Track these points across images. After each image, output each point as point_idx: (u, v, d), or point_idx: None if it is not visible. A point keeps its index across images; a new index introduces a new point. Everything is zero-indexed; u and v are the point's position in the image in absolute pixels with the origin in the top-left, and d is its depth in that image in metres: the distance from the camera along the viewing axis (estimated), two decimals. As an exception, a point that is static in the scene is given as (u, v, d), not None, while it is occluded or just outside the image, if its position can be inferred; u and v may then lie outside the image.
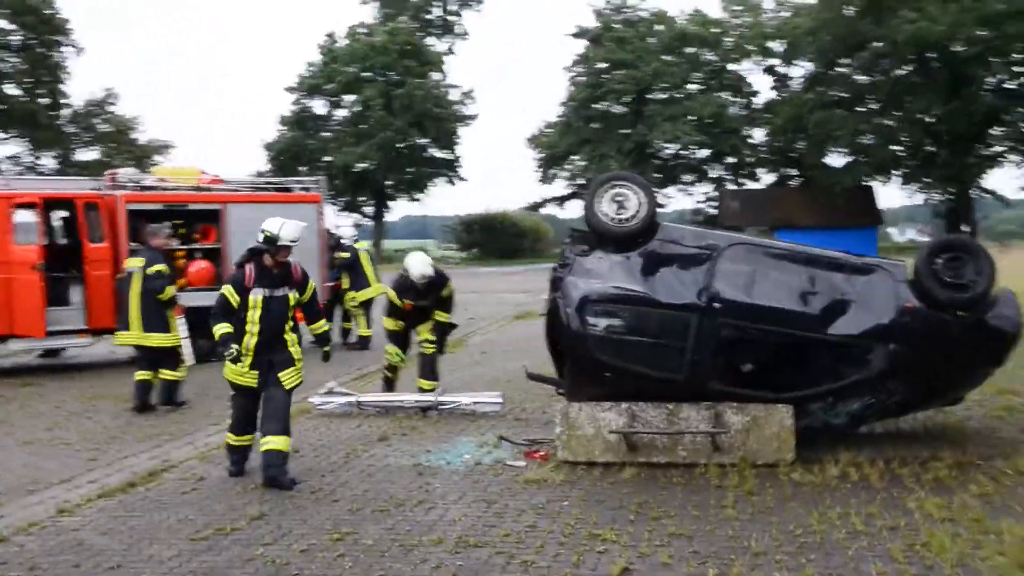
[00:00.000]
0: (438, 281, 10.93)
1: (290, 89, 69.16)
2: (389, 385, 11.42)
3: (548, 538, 6.05)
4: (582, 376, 8.23)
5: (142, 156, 55.26)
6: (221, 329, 7.66)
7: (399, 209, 74.68)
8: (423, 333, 11.10)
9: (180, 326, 11.51)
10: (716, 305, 7.84)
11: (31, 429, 9.95)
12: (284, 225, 7.92)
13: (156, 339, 11.06)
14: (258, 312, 7.65)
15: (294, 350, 7.81)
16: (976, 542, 5.63)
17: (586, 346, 7.98)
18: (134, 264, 11.31)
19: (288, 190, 16.76)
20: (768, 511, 6.47)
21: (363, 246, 17.20)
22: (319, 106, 70.49)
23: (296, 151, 66.12)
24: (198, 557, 5.87)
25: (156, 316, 11.10)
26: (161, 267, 11.15)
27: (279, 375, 7.65)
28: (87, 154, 58.99)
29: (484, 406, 10.38)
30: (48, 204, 14.51)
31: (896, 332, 7.70)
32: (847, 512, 6.31)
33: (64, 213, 15.50)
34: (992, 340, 7.79)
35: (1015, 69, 54.94)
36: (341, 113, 69.71)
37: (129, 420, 10.54)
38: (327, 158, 65.31)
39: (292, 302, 7.89)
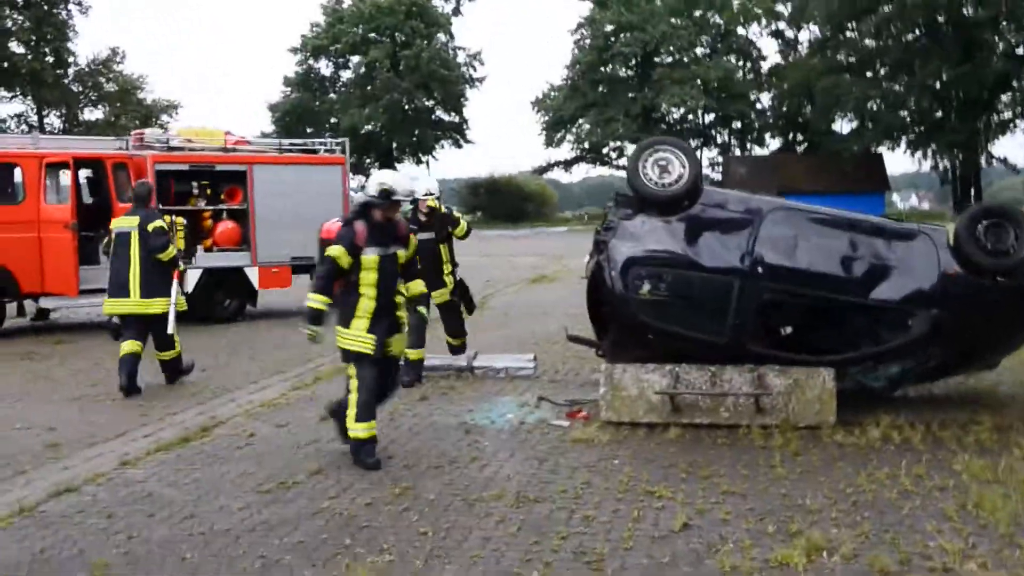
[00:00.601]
0: (442, 216, 10.18)
1: (294, 50, 69.06)
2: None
3: (604, 494, 6.18)
4: (625, 338, 8.35)
5: (148, 115, 55.29)
6: (319, 302, 6.93)
7: (405, 171, 74.25)
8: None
9: (175, 290, 10.17)
10: (759, 269, 7.95)
11: (76, 385, 10.10)
12: (397, 178, 7.33)
13: (159, 304, 9.91)
14: (374, 274, 6.94)
15: (401, 314, 7.31)
16: (1026, 503, 5.77)
17: (630, 308, 8.09)
18: (127, 224, 10.08)
19: (314, 151, 16.85)
20: (816, 471, 6.60)
21: None
22: (324, 67, 70.41)
23: (301, 112, 66.17)
24: (267, 508, 6.02)
25: (159, 279, 9.94)
26: (160, 223, 10.08)
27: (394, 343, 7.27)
28: (93, 113, 58.91)
29: (517, 369, 10.51)
30: (78, 164, 14.57)
31: (938, 297, 7.81)
32: (895, 473, 6.44)
33: (88, 172, 15.58)
34: (1034, 307, 7.91)
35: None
36: (346, 75, 69.73)
37: (169, 378, 10.70)
38: (332, 120, 65.28)
39: (401, 259, 7.19)
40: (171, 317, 9.99)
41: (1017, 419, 7.86)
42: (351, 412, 6.96)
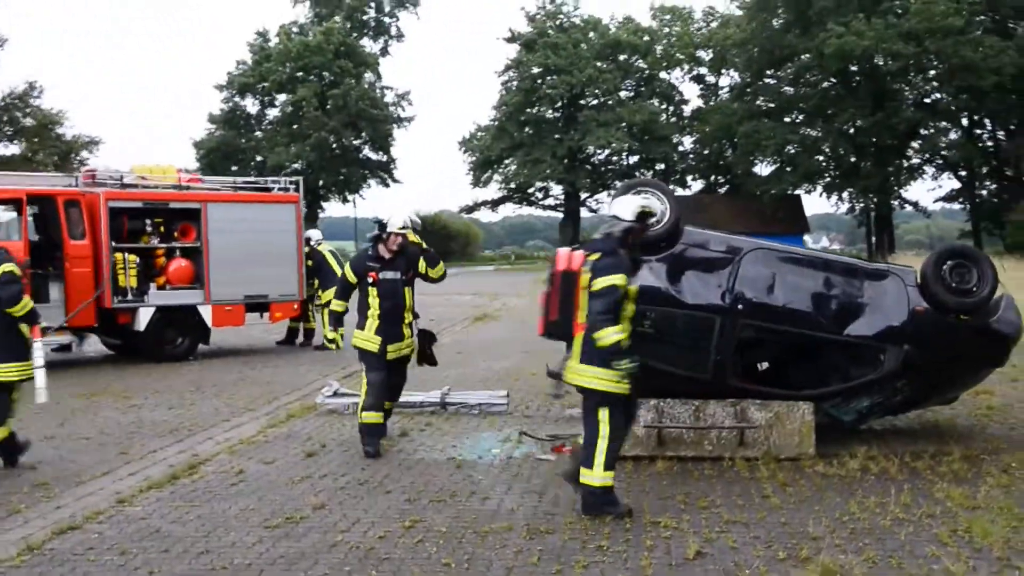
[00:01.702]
0: (414, 250, 8.91)
1: (220, 87, 68.41)
2: None
3: (612, 525, 6.34)
4: (610, 374, 8.55)
5: (68, 151, 54.11)
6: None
7: (331, 210, 74.08)
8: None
9: (37, 352, 8.13)
10: (739, 307, 8.25)
11: (43, 424, 9.88)
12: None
13: (4, 371, 7.92)
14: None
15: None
16: (1013, 527, 6.09)
17: (615, 345, 8.30)
18: None
19: (267, 190, 16.82)
20: (809, 500, 6.87)
21: (327, 247, 17.30)
22: (250, 105, 69.89)
23: (227, 150, 65.39)
24: (281, 543, 6.04)
25: (5, 338, 7.94)
26: (10, 266, 7.99)
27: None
28: (8, 148, 57.34)
29: (491, 405, 10.64)
30: (30, 200, 14.32)
31: (908, 334, 8.19)
32: (883, 501, 6.73)
33: (35, 209, 15.30)
34: (994, 342, 8.34)
35: (934, 84, 57.08)
36: (273, 112, 69.20)
37: (139, 416, 10.59)
38: (259, 157, 64.80)
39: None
40: (41, 380, 8.15)
41: (983, 450, 8.27)
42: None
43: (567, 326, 6.93)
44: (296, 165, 63.00)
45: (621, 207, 6.86)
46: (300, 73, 66.00)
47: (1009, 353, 8.56)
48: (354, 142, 68.22)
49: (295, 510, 6.77)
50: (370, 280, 8.66)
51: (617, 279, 6.46)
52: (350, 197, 71.62)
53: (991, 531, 5.97)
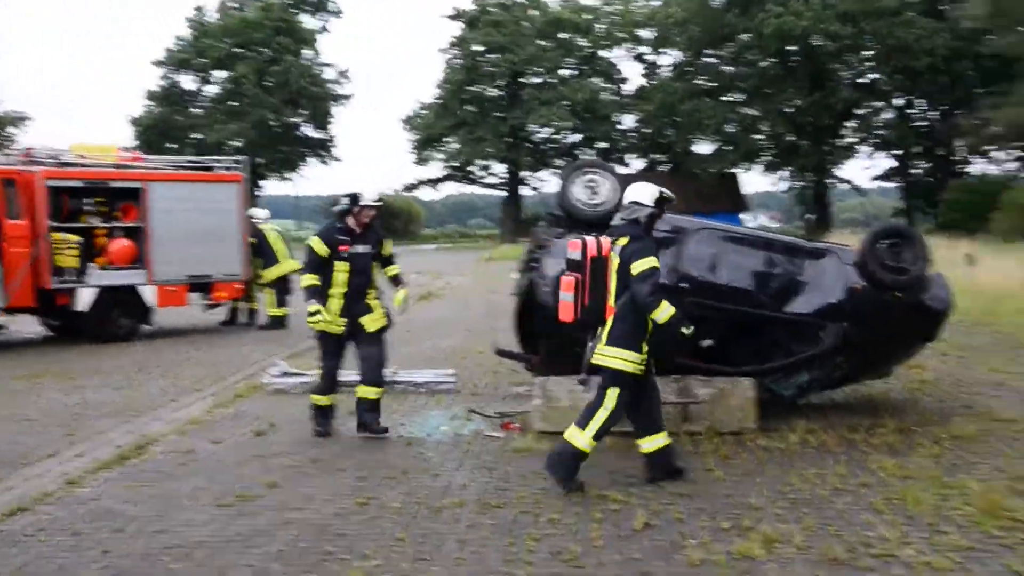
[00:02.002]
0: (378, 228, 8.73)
1: (158, 63, 67.20)
2: None
3: (562, 499, 6.49)
4: (557, 351, 8.70)
5: (-5, 128, 52.83)
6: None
7: (271, 188, 73.26)
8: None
9: None
10: (684, 285, 8.44)
11: (-16, 408, 9.81)
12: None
13: None
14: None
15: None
16: (942, 495, 6.36)
17: (562, 323, 8.43)
18: None
19: (210, 169, 16.66)
20: (751, 473, 7.10)
21: (271, 227, 17.21)
22: (188, 81, 68.75)
23: (164, 127, 64.32)
24: (236, 521, 6.11)
25: None
26: None
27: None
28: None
29: (439, 383, 10.74)
30: (-34, 179, 14.05)
31: (846, 311, 8.45)
32: (822, 473, 6.98)
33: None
34: (927, 318, 8.63)
35: (869, 65, 58.07)
36: (212, 89, 68.11)
37: (84, 397, 10.53)
38: (197, 135, 63.84)
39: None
40: None
41: (915, 422, 8.58)
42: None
43: (600, 312, 7.05)
44: (235, 143, 62.14)
45: (642, 193, 7.11)
46: (239, 49, 65.09)
47: (940, 329, 8.89)
48: (293, 119, 67.54)
49: (247, 488, 6.83)
50: (343, 253, 8.30)
51: (654, 261, 6.76)
52: (289, 175, 71.02)
53: (922, 499, 6.23)
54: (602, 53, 71.29)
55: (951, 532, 5.63)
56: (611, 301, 6.97)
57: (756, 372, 8.47)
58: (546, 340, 8.85)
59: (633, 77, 74.78)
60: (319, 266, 8.38)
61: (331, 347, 8.54)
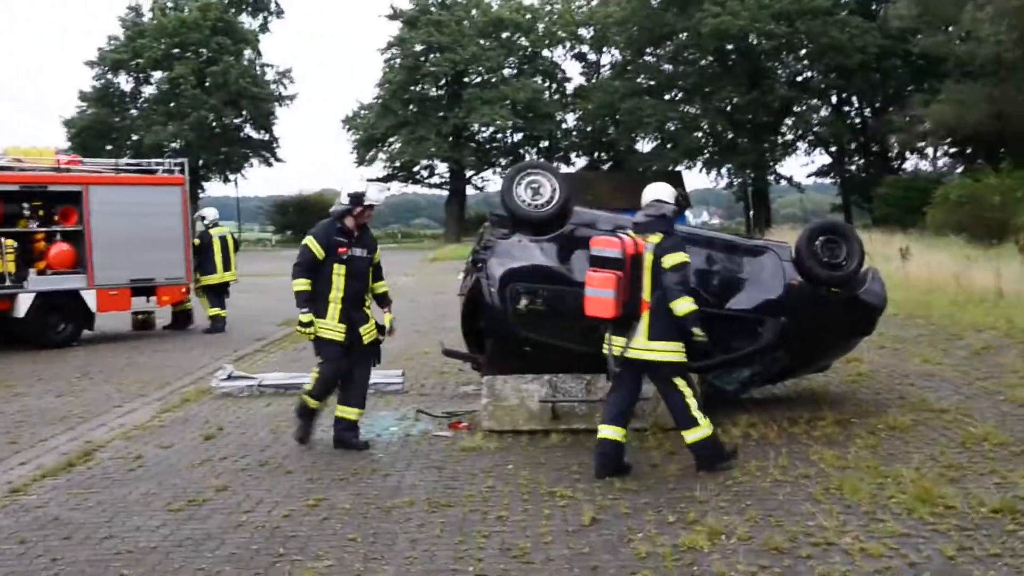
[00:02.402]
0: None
1: (91, 63, 66.09)
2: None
3: (510, 496, 6.62)
4: (504, 350, 8.80)
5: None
6: None
7: (212, 190, 72.41)
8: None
9: None
10: (626, 283, 8.58)
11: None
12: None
13: None
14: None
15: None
16: (879, 484, 6.58)
17: (508, 322, 8.55)
18: None
19: (152, 172, 16.48)
20: (694, 467, 7.24)
21: (220, 231, 17.07)
22: (124, 82, 67.73)
23: (101, 128, 63.29)
24: (186, 525, 6.12)
25: None
26: None
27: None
28: None
29: (386, 384, 10.78)
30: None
31: (784, 307, 8.66)
32: (763, 465, 7.17)
33: None
34: (862, 313, 8.88)
35: (805, 63, 59.10)
36: (149, 90, 67.18)
37: (25, 404, 10.40)
38: (134, 136, 62.99)
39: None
40: None
41: (853, 414, 8.82)
42: None
43: (635, 306, 7.13)
44: (174, 144, 61.38)
45: (662, 192, 7.59)
46: (176, 50, 64.30)
47: (876, 323, 9.16)
48: (235, 121, 66.86)
49: (197, 493, 6.84)
50: (342, 255, 7.88)
51: (685, 256, 7.14)
52: (232, 177, 70.30)
53: (859, 488, 6.44)
54: (544, 52, 71.58)
55: (887, 519, 5.84)
56: (646, 296, 7.13)
57: (699, 368, 8.61)
58: (492, 340, 8.93)
59: (575, 76, 74.94)
60: (313, 269, 7.92)
61: (332, 354, 8.01)
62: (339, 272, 7.90)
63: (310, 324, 7.88)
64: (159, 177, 16.27)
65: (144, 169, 16.74)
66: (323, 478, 7.21)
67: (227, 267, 16.74)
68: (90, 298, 15.12)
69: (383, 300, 8.50)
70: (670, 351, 7.07)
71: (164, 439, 8.62)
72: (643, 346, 7.08)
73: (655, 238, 7.16)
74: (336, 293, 7.92)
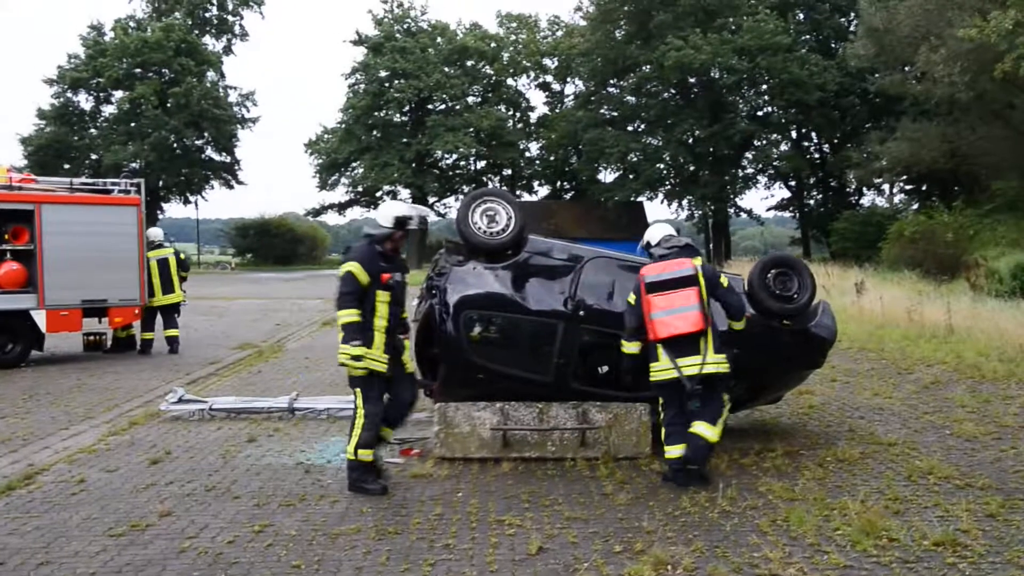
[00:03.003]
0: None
1: (49, 81, 65.50)
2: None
3: (458, 524, 6.58)
4: (457, 377, 8.77)
5: None
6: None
7: (172, 211, 71.93)
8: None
9: None
10: (580, 313, 8.62)
11: None
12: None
13: None
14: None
15: None
16: (824, 516, 6.63)
17: (462, 349, 8.54)
18: None
19: (107, 192, 16.31)
20: (644, 496, 7.27)
21: (160, 253, 16.74)
22: (83, 101, 67.17)
23: (59, 147, 62.65)
24: (127, 551, 6.02)
25: None
26: None
27: None
28: None
29: (340, 410, 10.70)
30: None
31: (736, 338, 8.70)
32: (712, 496, 7.19)
33: None
34: (814, 346, 8.97)
35: (766, 98, 59.96)
36: (109, 109, 66.62)
37: (-32, 427, 10.20)
38: (93, 156, 62.40)
39: None
40: None
41: (803, 446, 8.89)
42: None
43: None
44: (134, 164, 60.86)
45: (668, 228, 8.37)
46: (138, 70, 63.88)
47: (826, 355, 9.24)
48: (196, 142, 66.50)
49: (140, 518, 6.74)
50: (388, 282, 7.49)
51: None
52: (192, 198, 69.82)
53: (806, 520, 6.49)
54: (508, 81, 72.01)
55: (831, 551, 5.87)
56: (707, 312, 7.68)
57: (652, 398, 8.64)
58: (445, 367, 8.91)
59: (538, 105, 75.36)
60: (361, 298, 7.42)
61: (376, 391, 7.54)
62: (383, 299, 7.49)
63: (362, 357, 7.33)
64: (114, 197, 16.07)
65: (99, 189, 16.55)
66: (270, 504, 7.14)
67: (167, 290, 16.52)
68: (40, 318, 14.88)
69: (406, 327, 8.01)
70: (724, 363, 7.67)
71: (109, 463, 8.49)
72: (714, 360, 7.60)
73: (698, 260, 7.80)
74: (381, 322, 7.46)
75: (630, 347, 8.06)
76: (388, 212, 7.71)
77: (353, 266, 7.39)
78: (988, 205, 37.83)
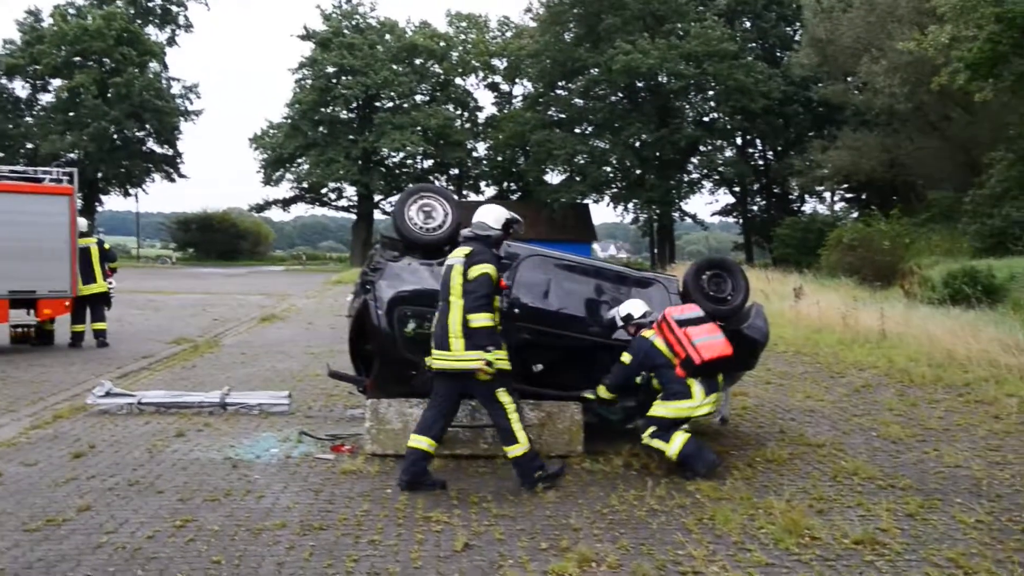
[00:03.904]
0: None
1: (-18, 68, 64.10)
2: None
3: (385, 521, 6.53)
4: (390, 374, 8.70)
5: None
6: None
7: (112, 204, 70.77)
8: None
9: None
10: (516, 311, 8.60)
11: None
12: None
13: None
14: None
15: None
16: (750, 515, 6.68)
17: (395, 346, 8.48)
18: None
19: (38, 180, 15.94)
20: (574, 494, 7.27)
21: (82, 243, 16.41)
22: (19, 88, 65.79)
23: (-10, 135, 61.28)
24: (40, 546, 5.87)
25: None
26: None
27: None
28: None
29: (272, 405, 10.58)
30: None
31: (670, 338, 8.75)
32: (641, 494, 7.22)
33: None
34: (746, 347, 9.03)
35: (712, 104, 60.62)
36: (47, 98, 65.35)
37: None
38: (29, 145, 61.13)
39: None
40: None
41: (733, 446, 8.96)
42: None
43: None
44: (72, 155, 59.72)
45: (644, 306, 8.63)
46: (77, 58, 62.68)
47: (758, 357, 9.33)
48: (137, 133, 65.42)
49: (58, 512, 6.58)
50: (503, 287, 7.64)
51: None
52: (132, 191, 68.68)
53: (731, 519, 6.53)
54: (457, 81, 71.94)
55: (754, 549, 5.92)
56: None
57: (583, 398, 8.67)
58: (379, 363, 8.84)
59: (487, 105, 75.49)
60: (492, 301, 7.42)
61: (510, 383, 7.59)
62: (497, 303, 7.58)
63: (492, 363, 7.26)
64: (46, 186, 15.71)
65: (30, 177, 16.16)
66: (194, 499, 7.01)
67: (87, 280, 16.18)
68: (-35, 310, 14.51)
69: None
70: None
71: (29, 456, 8.28)
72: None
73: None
74: (498, 325, 7.53)
75: (607, 394, 8.30)
76: (497, 215, 7.89)
77: (491, 268, 7.40)
78: (924, 214, 38.66)
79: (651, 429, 8.06)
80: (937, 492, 7.30)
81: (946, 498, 7.13)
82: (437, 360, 7.40)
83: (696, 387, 8.02)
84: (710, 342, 7.97)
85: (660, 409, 8.09)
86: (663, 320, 8.19)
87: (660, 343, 8.15)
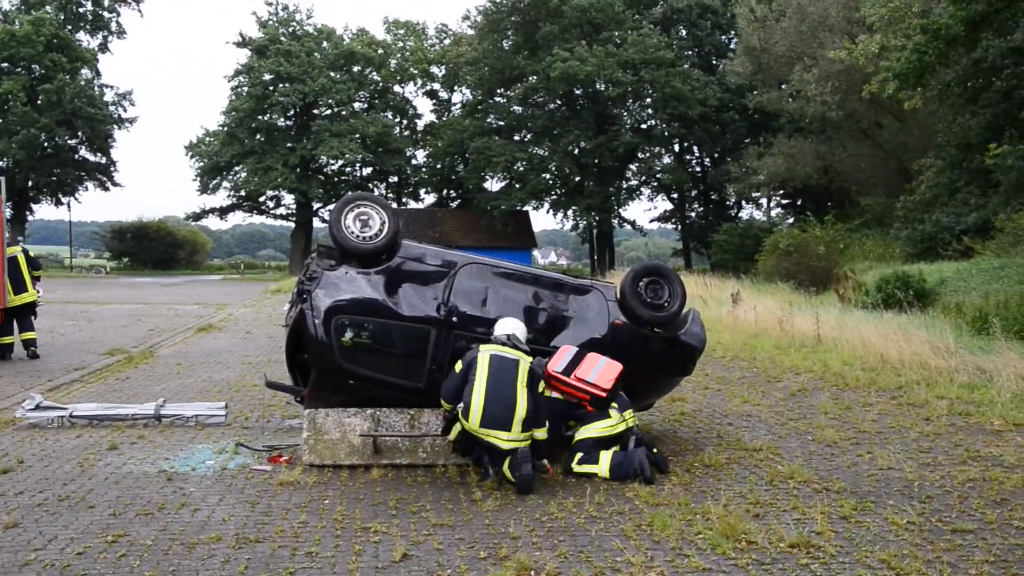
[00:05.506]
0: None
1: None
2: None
3: (322, 532, 6.46)
4: (327, 383, 8.61)
5: None
6: None
7: (43, 213, 69.20)
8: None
9: None
10: (453, 319, 8.58)
11: None
12: None
13: None
14: None
15: None
16: (687, 520, 6.73)
17: (332, 355, 8.40)
18: None
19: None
20: (513, 503, 7.27)
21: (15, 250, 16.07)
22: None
23: (-87, 143, 59.61)
24: (-34, 567, 5.72)
25: None
26: None
27: None
28: None
29: (208, 416, 10.43)
30: None
31: (608, 345, 8.81)
32: (580, 502, 7.24)
33: None
34: (683, 354, 9.14)
35: (649, 111, 61.21)
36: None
37: None
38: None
39: None
40: None
41: (672, 452, 9.02)
42: None
43: None
44: (0, 163, 58.33)
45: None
46: (5, 64, 61.26)
47: (695, 363, 9.41)
48: (69, 141, 64.13)
49: (-16, 530, 6.41)
50: None
51: None
52: (64, 200, 67.28)
53: (669, 524, 6.58)
54: (395, 88, 71.71)
55: (692, 555, 5.96)
56: None
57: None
58: (316, 372, 8.75)
59: (426, 113, 75.38)
60: None
61: None
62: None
63: None
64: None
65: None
66: (126, 513, 6.88)
67: (18, 290, 15.80)
68: None
69: None
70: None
71: (-44, 472, 8.07)
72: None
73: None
74: None
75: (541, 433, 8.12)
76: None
77: None
78: (857, 220, 39.38)
79: (578, 456, 8.17)
80: (870, 494, 7.42)
81: (879, 500, 7.25)
82: None
83: (611, 409, 8.36)
84: (602, 370, 8.27)
85: (583, 432, 8.27)
86: (550, 378, 8.28)
87: (559, 397, 8.40)
